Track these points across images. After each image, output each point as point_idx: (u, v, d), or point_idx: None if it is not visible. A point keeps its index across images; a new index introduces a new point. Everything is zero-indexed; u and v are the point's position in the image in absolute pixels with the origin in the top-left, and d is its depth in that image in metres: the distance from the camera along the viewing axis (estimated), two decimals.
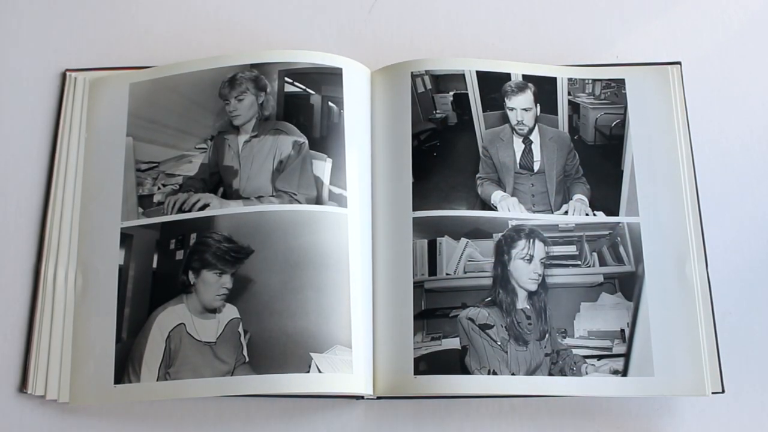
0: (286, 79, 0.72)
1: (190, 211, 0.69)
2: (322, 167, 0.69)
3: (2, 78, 0.76)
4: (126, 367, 0.65)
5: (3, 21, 0.79)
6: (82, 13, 0.79)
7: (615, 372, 0.65)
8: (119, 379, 0.65)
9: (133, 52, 0.78)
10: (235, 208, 0.68)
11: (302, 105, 0.71)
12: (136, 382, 0.64)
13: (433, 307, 0.67)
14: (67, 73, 0.75)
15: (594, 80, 0.74)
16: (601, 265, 0.69)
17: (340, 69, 0.72)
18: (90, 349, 0.66)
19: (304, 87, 0.71)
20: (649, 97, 0.74)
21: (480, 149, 0.72)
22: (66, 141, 0.73)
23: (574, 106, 0.74)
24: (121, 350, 0.66)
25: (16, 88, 0.76)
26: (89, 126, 0.73)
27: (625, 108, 0.73)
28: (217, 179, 0.70)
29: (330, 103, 0.71)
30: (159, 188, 0.70)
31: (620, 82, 0.74)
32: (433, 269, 0.67)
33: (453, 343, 0.66)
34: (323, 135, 0.70)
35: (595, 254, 0.69)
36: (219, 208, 0.68)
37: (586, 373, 0.65)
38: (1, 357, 0.67)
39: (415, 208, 0.69)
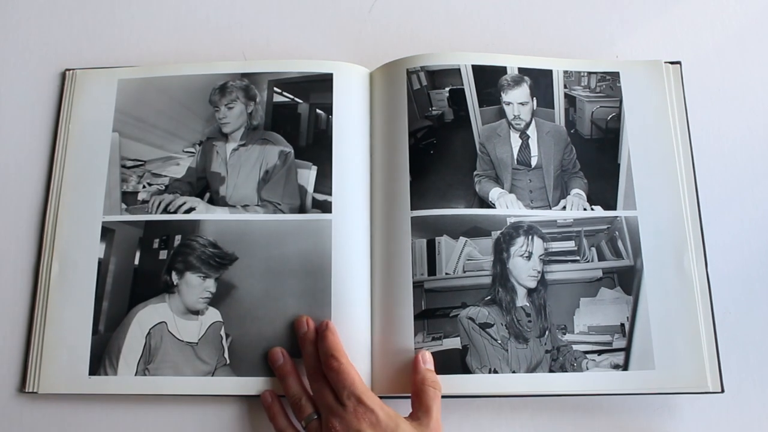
0: (275, 89, 0.72)
1: (175, 212, 0.69)
2: (306, 175, 0.70)
3: (2, 78, 0.76)
4: (102, 360, 0.65)
5: (3, 21, 0.78)
6: (82, 13, 0.79)
7: (616, 366, 0.65)
8: (94, 370, 0.65)
9: (133, 52, 0.77)
10: (221, 214, 0.69)
11: (289, 114, 0.72)
12: (112, 375, 0.65)
13: (434, 307, 0.66)
14: (67, 73, 0.75)
15: (589, 73, 0.74)
16: (599, 260, 0.69)
17: (331, 74, 0.72)
18: (63, 338, 0.66)
19: (292, 96, 0.72)
20: (643, 90, 0.73)
21: (477, 146, 0.71)
22: (64, 138, 0.72)
23: (570, 100, 0.73)
24: (98, 342, 0.66)
25: (16, 87, 0.75)
26: (73, 117, 0.73)
27: (621, 101, 0.73)
28: (204, 184, 0.71)
29: (318, 111, 0.71)
30: (144, 186, 0.70)
31: (615, 75, 0.74)
32: (432, 269, 0.67)
33: (454, 342, 0.65)
34: (309, 143, 0.71)
35: (593, 249, 0.69)
36: (205, 213, 0.69)
37: (587, 369, 0.65)
38: (1, 357, 0.67)
39: (413, 208, 0.68)
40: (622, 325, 0.67)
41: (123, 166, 0.71)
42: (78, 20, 0.78)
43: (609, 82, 0.74)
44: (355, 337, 0.66)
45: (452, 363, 0.65)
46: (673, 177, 0.71)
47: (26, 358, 0.67)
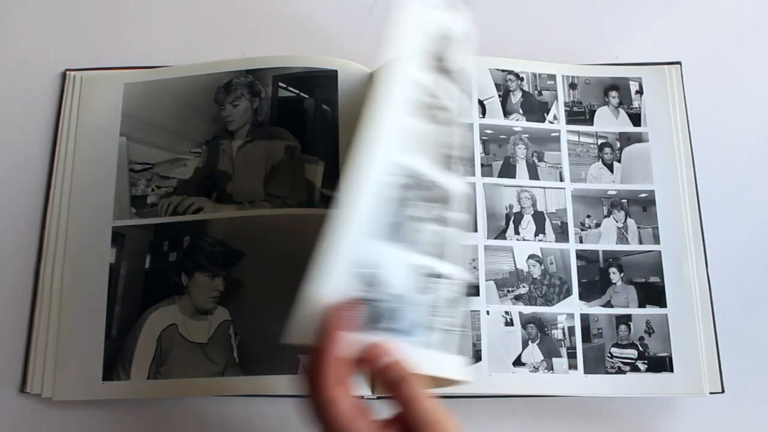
0: (280, 84, 0.72)
1: (184, 214, 0.69)
2: (314, 170, 0.69)
3: (2, 78, 0.77)
4: (115, 365, 0.66)
5: (3, 21, 0.79)
6: (82, 13, 0.79)
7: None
8: (108, 376, 0.65)
9: (134, 52, 0.78)
10: (228, 212, 0.69)
11: (295, 109, 0.72)
12: (125, 380, 0.65)
13: None
14: (67, 73, 0.75)
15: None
16: None
17: (335, 71, 0.72)
18: (76, 344, 0.66)
19: (297, 91, 0.72)
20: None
21: None
22: (65, 141, 0.73)
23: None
24: (111, 348, 0.66)
25: (17, 88, 0.76)
26: (81, 123, 0.73)
27: None
28: (211, 183, 0.71)
29: (324, 106, 0.71)
30: (153, 190, 0.70)
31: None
32: None
33: None
34: (316, 138, 0.71)
35: None
36: (213, 212, 0.69)
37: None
38: (1, 357, 0.68)
39: None
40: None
41: (131, 170, 0.71)
42: (77, 21, 0.79)
43: None
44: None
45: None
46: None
47: (26, 360, 0.67)
